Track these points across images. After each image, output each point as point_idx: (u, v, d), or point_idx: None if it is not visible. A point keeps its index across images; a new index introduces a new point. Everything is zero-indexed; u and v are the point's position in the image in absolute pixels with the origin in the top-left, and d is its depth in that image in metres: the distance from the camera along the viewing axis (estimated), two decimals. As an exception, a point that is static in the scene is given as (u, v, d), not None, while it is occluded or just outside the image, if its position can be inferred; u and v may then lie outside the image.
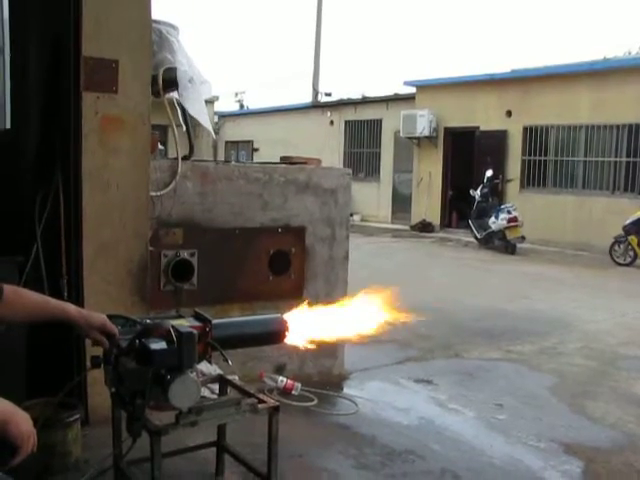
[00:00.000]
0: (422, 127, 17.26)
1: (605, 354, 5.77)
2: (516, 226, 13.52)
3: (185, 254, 3.90)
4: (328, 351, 4.53)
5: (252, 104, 28.34)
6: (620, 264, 12.06)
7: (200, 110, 4.05)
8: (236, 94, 28.85)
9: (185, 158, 4.03)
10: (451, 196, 17.71)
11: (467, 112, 16.69)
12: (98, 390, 3.20)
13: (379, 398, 4.39)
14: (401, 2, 62.57)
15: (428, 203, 17.86)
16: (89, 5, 3.28)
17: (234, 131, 25.99)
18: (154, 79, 3.73)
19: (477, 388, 4.71)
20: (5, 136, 3.89)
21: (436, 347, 5.81)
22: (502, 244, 13.73)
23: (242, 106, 28.53)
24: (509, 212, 13.61)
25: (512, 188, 15.92)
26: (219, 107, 26.05)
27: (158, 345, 2.10)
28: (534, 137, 15.62)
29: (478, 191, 14.79)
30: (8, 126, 3.95)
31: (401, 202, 19.12)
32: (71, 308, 2.13)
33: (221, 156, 25.46)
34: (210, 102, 20.37)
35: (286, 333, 2.49)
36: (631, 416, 4.24)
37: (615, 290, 9.44)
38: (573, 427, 4.05)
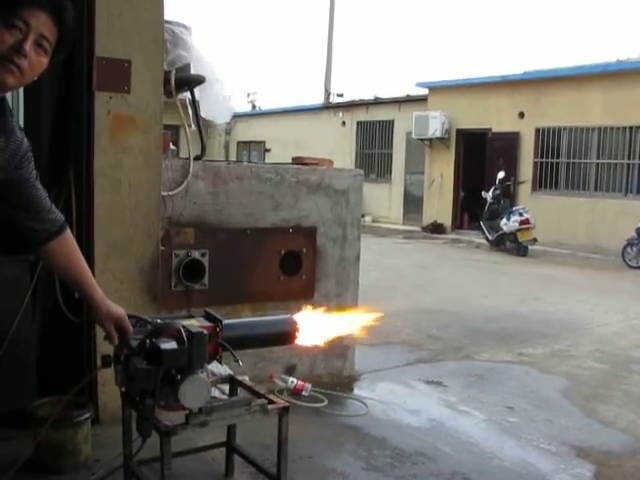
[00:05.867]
0: (434, 128, 17.23)
1: (617, 357, 5.74)
2: (528, 228, 13.46)
3: (196, 254, 3.90)
4: (338, 352, 4.53)
5: (264, 105, 28.44)
6: (632, 267, 11.99)
7: (213, 108, 4.05)
8: (248, 94, 28.93)
9: (197, 158, 4.03)
10: (463, 198, 17.68)
11: (479, 114, 16.64)
12: (109, 389, 3.21)
13: (389, 399, 4.37)
14: (413, 3, 62.43)
15: (440, 204, 17.82)
16: (102, 5, 3.29)
17: (246, 131, 26.03)
18: (167, 79, 3.73)
19: (488, 390, 4.68)
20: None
21: (447, 349, 5.79)
22: (514, 246, 13.67)
23: (254, 106, 28.58)
24: (521, 214, 13.55)
25: (524, 190, 15.87)
26: (231, 107, 26.03)
27: (169, 345, 2.11)
28: (546, 139, 15.55)
29: (490, 193, 14.74)
30: (22, 124, 3.96)
31: (413, 203, 19.10)
32: (99, 291, 2.19)
33: (233, 156, 25.52)
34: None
35: (297, 334, 2.49)
36: (643, 420, 4.21)
37: (627, 293, 9.38)
38: (584, 430, 4.02)
